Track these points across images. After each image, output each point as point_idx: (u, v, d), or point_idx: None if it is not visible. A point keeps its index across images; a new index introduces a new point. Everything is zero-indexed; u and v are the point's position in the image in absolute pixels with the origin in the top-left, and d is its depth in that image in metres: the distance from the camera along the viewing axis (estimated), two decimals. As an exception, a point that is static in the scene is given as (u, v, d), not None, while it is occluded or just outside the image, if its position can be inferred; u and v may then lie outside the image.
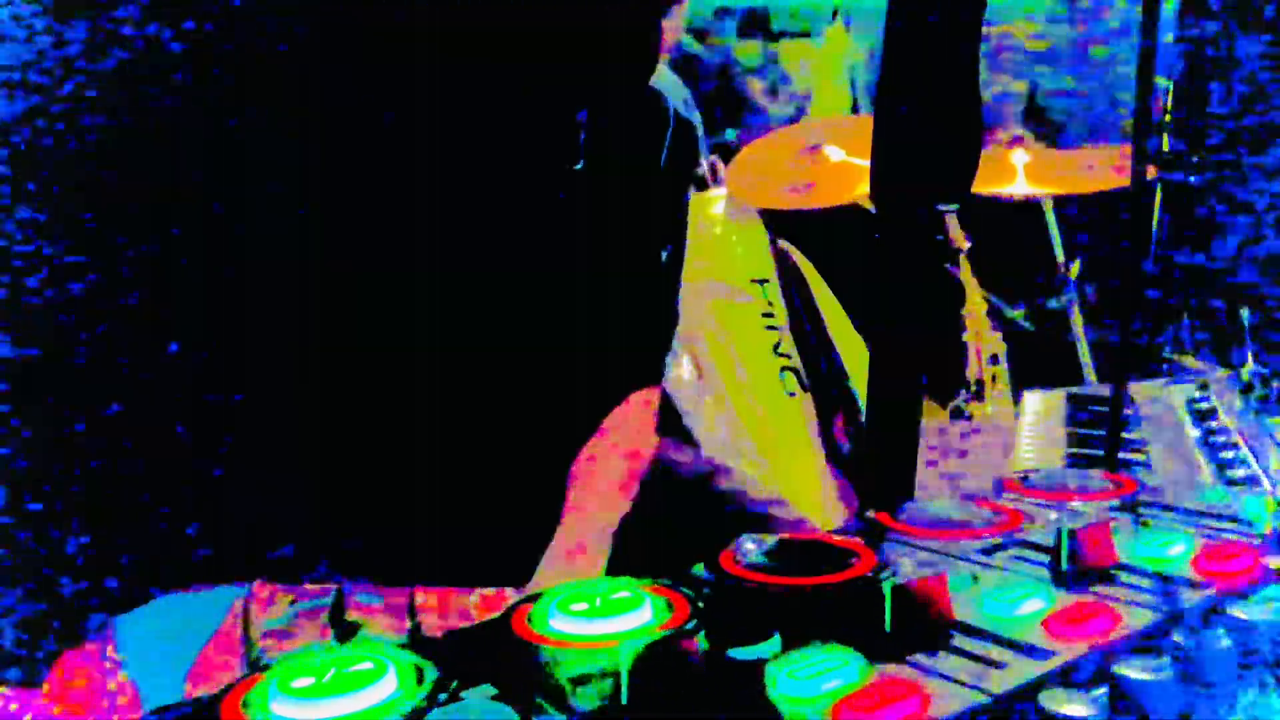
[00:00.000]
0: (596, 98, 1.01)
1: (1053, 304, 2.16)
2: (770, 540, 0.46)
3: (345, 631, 0.69)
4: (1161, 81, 1.66)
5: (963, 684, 0.36)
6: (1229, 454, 0.90)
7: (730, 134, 2.55)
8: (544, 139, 1.01)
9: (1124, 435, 0.96)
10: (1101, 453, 0.92)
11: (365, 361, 1.00)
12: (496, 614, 0.40)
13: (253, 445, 1.01)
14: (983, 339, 2.03)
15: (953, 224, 2.00)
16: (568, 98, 0.99)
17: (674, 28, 1.09)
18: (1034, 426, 1.08)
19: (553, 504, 1.03)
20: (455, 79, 0.96)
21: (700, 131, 2.18)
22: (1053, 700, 0.35)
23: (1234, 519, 0.50)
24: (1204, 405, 1.04)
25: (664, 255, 1.13)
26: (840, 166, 2.06)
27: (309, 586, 0.87)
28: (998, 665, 0.37)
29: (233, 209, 0.97)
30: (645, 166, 1.10)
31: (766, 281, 2.04)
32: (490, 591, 0.77)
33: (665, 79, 1.12)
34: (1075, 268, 2.13)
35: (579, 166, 1.02)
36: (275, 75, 0.95)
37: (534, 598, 0.41)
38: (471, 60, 0.94)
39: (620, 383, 1.11)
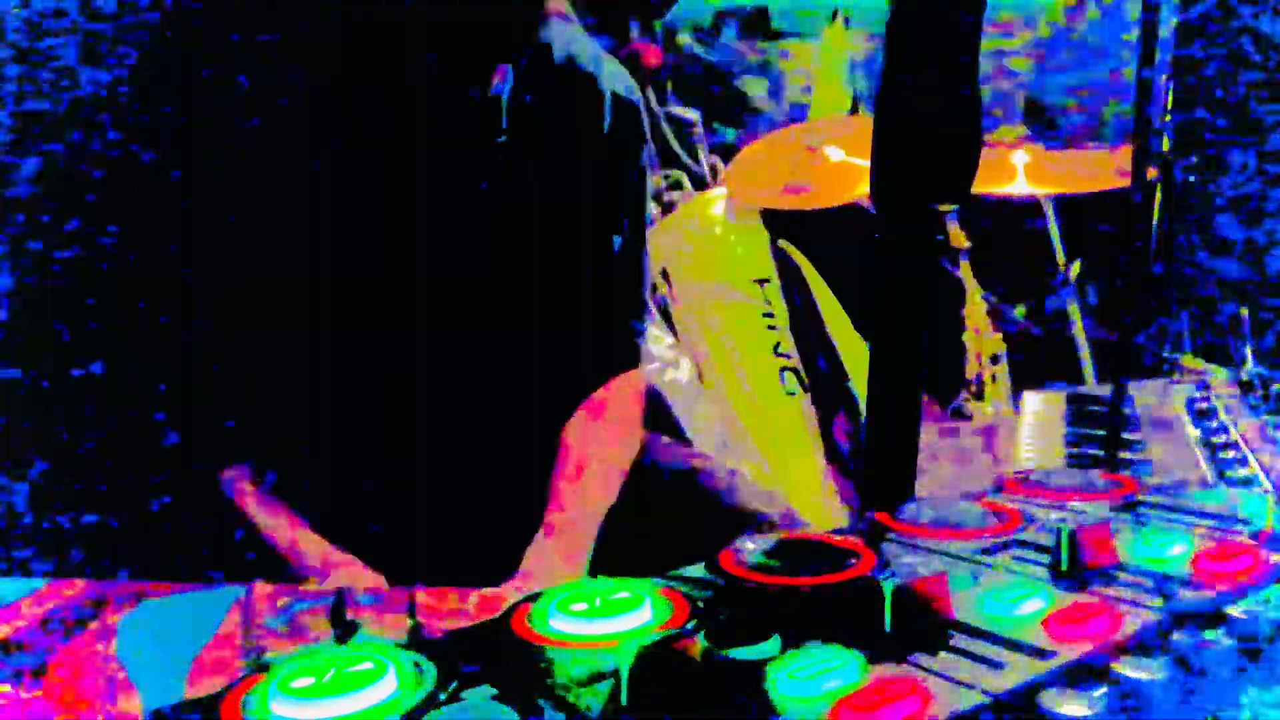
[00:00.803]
0: (489, 58, 0.99)
1: (1053, 304, 2.16)
2: (770, 540, 0.46)
3: (345, 631, 0.69)
4: (1162, 81, 1.66)
5: (963, 684, 0.36)
6: (1229, 454, 0.90)
7: (730, 134, 2.54)
8: (456, 108, 1.00)
9: (1124, 435, 0.96)
10: (1101, 453, 0.92)
11: (351, 364, 1.00)
12: (496, 614, 0.40)
13: (253, 446, 1.01)
14: (983, 339, 2.03)
15: (953, 224, 2.00)
16: (459, 62, 0.98)
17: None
18: (1034, 426, 1.08)
19: (540, 495, 1.03)
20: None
21: (691, 124, 2.19)
22: (1053, 700, 0.35)
23: (1234, 519, 0.50)
24: (1204, 405, 1.04)
25: (617, 241, 1.11)
26: (840, 166, 2.06)
27: (309, 586, 0.87)
28: (998, 665, 0.37)
29: (221, 208, 0.98)
30: (580, 147, 1.09)
31: (766, 281, 2.04)
32: (490, 591, 0.77)
33: (603, 63, 1.11)
34: (1075, 268, 2.13)
35: (501, 140, 1.01)
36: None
37: (534, 597, 0.41)
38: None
39: (592, 367, 1.11)
